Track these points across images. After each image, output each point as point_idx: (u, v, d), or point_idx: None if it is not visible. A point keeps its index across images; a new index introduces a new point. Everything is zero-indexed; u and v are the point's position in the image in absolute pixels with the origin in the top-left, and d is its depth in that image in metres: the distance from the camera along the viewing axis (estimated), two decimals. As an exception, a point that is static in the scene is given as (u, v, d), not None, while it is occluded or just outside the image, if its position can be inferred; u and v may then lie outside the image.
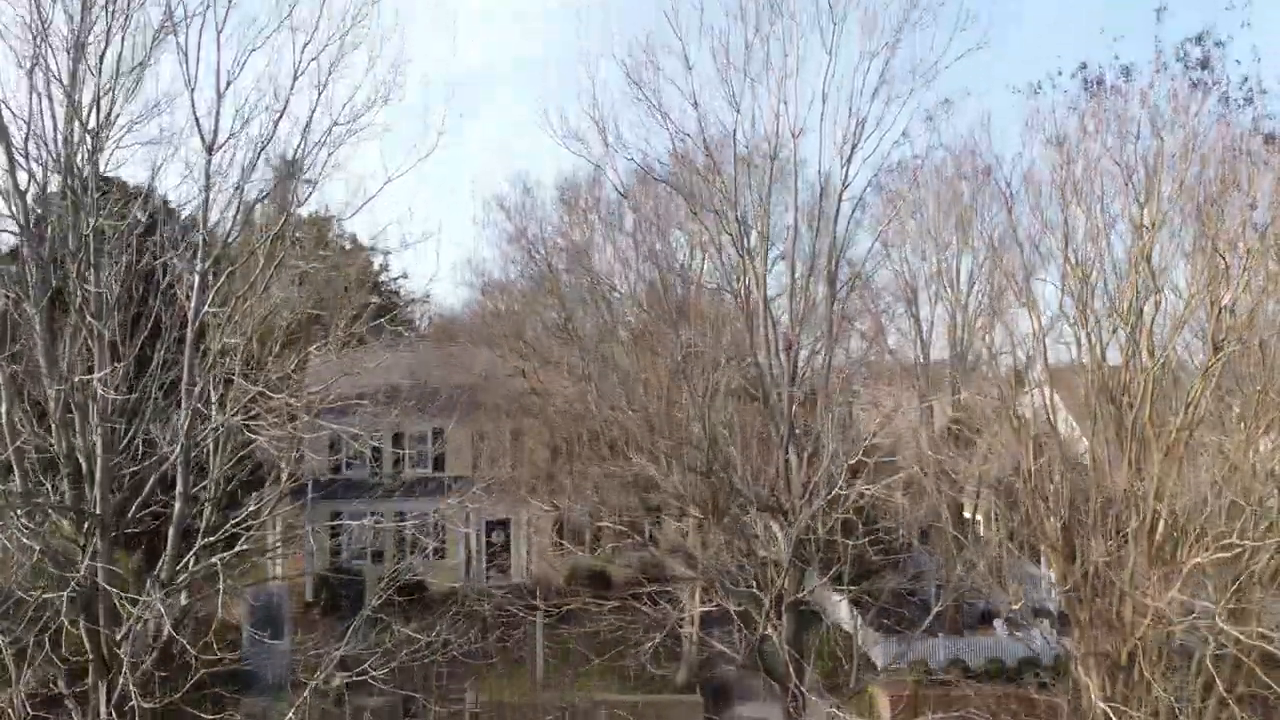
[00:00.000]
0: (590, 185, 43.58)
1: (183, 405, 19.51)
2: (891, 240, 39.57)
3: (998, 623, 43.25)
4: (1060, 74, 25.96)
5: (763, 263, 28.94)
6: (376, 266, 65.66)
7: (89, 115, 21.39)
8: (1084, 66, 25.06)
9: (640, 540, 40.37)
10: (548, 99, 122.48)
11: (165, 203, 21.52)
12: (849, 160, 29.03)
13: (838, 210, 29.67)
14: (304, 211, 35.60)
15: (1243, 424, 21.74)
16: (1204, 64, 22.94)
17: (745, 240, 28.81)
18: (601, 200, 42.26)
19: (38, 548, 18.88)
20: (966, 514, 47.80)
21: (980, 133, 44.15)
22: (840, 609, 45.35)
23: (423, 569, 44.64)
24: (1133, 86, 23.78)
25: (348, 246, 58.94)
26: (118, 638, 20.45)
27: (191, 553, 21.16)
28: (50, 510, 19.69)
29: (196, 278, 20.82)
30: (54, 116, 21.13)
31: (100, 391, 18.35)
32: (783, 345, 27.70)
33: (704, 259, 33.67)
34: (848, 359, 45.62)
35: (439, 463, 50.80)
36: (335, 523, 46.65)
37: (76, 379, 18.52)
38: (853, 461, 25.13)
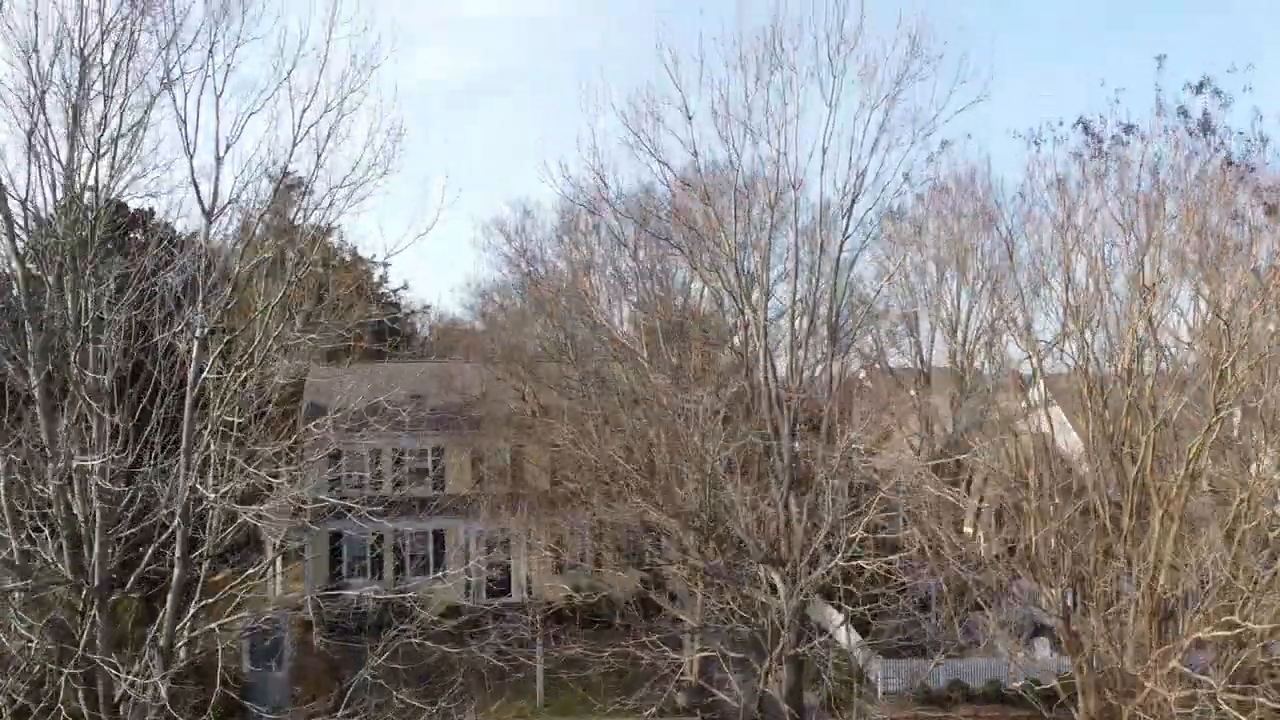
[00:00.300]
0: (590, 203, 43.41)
1: (181, 476, 19.47)
2: (894, 276, 39.62)
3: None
4: (1061, 124, 25.89)
5: (763, 314, 28.85)
6: (376, 278, 65.64)
7: (87, 180, 21.38)
8: (1084, 124, 25.04)
9: (642, 566, 40.54)
10: (547, 129, 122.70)
11: (164, 267, 21.36)
12: (849, 211, 29.01)
13: (838, 260, 29.64)
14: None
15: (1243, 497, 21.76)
16: (1205, 127, 22.85)
17: (745, 292, 28.72)
18: (601, 225, 42.14)
19: (38, 626, 18.89)
20: (967, 528, 47.97)
21: (980, 175, 44.07)
22: (840, 630, 45.43)
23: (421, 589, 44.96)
24: (1132, 148, 23.71)
25: (348, 259, 58.92)
26: (115, 699, 20.54)
27: (189, 615, 21.18)
28: (49, 585, 19.67)
29: (196, 343, 20.81)
30: (53, 184, 21.09)
31: (98, 480, 18.30)
32: (783, 397, 27.62)
33: (702, 298, 33.55)
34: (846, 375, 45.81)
35: (439, 482, 50.79)
36: (335, 545, 46.84)
37: (74, 463, 18.44)
38: (852, 510, 25.15)
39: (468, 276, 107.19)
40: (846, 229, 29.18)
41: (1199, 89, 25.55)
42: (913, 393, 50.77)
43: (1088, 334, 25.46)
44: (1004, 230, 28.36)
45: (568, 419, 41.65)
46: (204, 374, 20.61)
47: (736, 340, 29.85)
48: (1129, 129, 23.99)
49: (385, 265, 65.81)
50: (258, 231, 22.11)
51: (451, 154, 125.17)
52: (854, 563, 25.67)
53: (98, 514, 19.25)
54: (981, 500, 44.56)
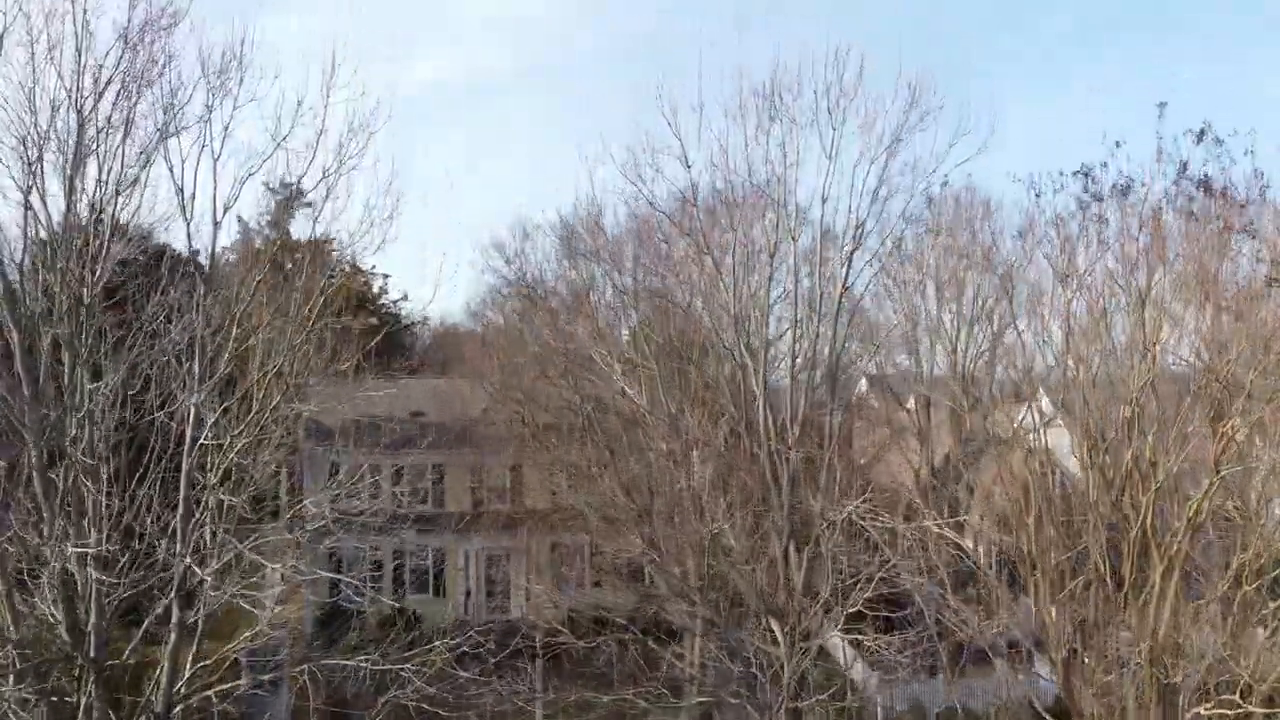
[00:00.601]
0: (590, 230, 43.33)
1: (177, 562, 19.42)
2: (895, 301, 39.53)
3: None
4: (1061, 174, 25.77)
5: (763, 363, 28.69)
6: (376, 289, 65.48)
7: (83, 242, 21.22)
8: (1087, 173, 24.86)
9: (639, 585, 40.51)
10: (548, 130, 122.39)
11: (158, 338, 21.21)
12: (849, 260, 28.91)
13: (837, 310, 29.47)
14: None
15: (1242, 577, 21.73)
16: (1206, 188, 22.70)
17: (744, 341, 28.62)
18: (601, 248, 42.03)
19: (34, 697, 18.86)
20: (967, 543, 47.94)
21: (981, 202, 44.12)
22: (838, 650, 45.42)
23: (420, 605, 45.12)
24: (1134, 194, 23.57)
25: (348, 269, 58.57)
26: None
27: (183, 680, 21.15)
28: (47, 662, 19.63)
29: (192, 409, 20.72)
30: (50, 249, 20.97)
31: (95, 572, 18.27)
32: (780, 452, 27.54)
33: (701, 344, 33.40)
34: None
35: (439, 497, 50.71)
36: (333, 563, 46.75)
37: (70, 550, 18.36)
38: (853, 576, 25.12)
39: (467, 295, 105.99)
40: (846, 278, 29.17)
41: (1200, 137, 25.42)
42: (911, 409, 50.78)
43: (1086, 391, 25.36)
44: (1002, 270, 28.16)
45: (566, 445, 41.69)
46: (200, 442, 20.54)
47: (736, 375, 29.69)
48: (1126, 190, 23.84)
49: (385, 277, 65.71)
50: (256, 295, 21.86)
51: (449, 155, 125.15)
52: (856, 611, 25.58)
53: (94, 591, 19.19)
54: (982, 518, 44.53)
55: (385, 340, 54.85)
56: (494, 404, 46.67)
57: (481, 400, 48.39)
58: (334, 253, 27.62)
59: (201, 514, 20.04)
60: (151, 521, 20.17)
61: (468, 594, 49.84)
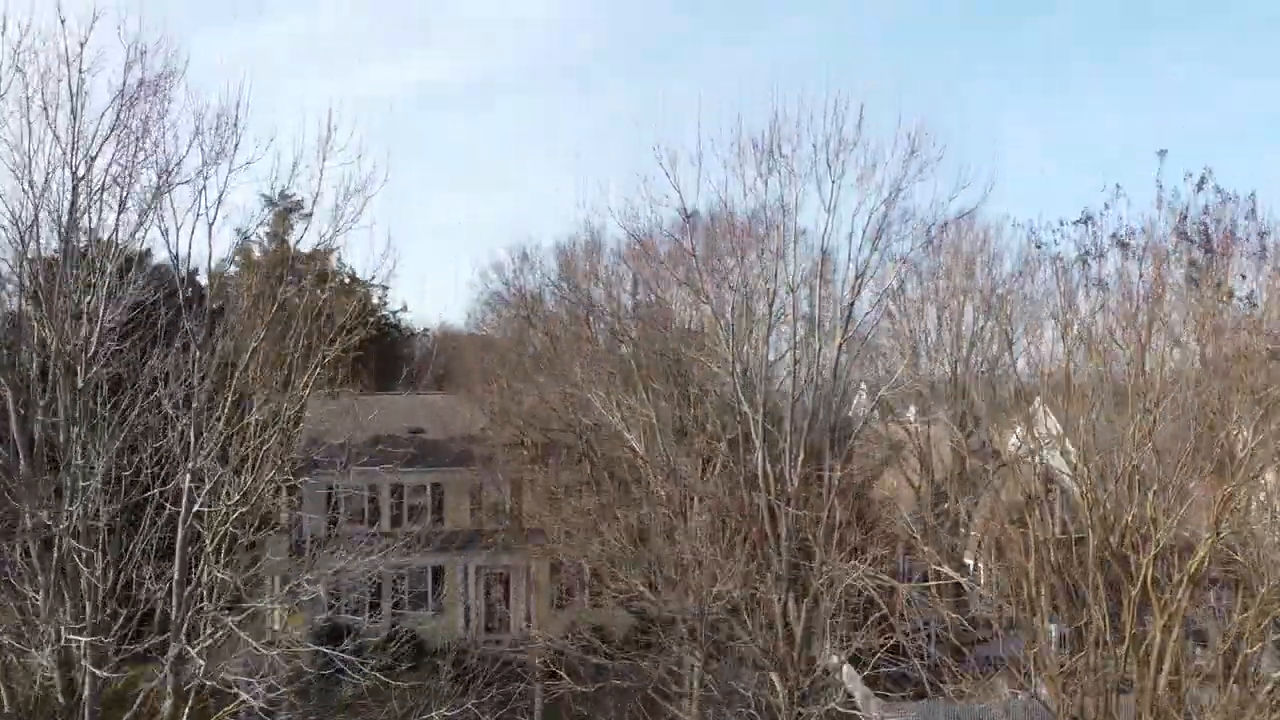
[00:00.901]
0: (589, 252, 43.28)
1: (170, 653, 19.38)
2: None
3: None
4: (1062, 224, 25.57)
5: (761, 413, 28.49)
6: (376, 300, 65.11)
7: (79, 304, 21.11)
8: (1087, 219, 24.69)
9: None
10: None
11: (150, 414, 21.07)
12: (849, 311, 28.77)
13: (837, 362, 29.32)
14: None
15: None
16: (1206, 246, 22.55)
17: (745, 395, 28.47)
18: (600, 270, 41.97)
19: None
20: (967, 560, 47.94)
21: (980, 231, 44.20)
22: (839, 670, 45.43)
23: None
24: (1132, 258, 23.43)
25: (346, 281, 58.28)
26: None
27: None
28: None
29: (188, 477, 20.62)
30: (44, 326, 20.84)
31: (91, 655, 18.20)
32: (778, 508, 27.42)
33: (698, 390, 33.28)
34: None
35: (438, 516, 50.62)
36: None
37: (64, 638, 18.32)
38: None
39: (467, 304, 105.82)
40: (846, 328, 29.00)
41: (1200, 184, 25.25)
42: (912, 426, 50.72)
43: (1087, 451, 25.20)
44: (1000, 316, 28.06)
45: (564, 466, 41.63)
46: (195, 507, 20.46)
47: (734, 426, 29.57)
48: (1125, 244, 23.63)
49: (385, 289, 65.41)
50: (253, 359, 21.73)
51: (452, 155, 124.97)
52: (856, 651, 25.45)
53: (87, 688, 19.16)
54: (980, 542, 44.52)
55: (386, 351, 54.74)
56: (494, 426, 46.54)
57: (481, 419, 48.32)
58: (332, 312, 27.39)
59: (195, 588, 19.95)
60: (147, 588, 20.15)
61: (467, 613, 49.82)
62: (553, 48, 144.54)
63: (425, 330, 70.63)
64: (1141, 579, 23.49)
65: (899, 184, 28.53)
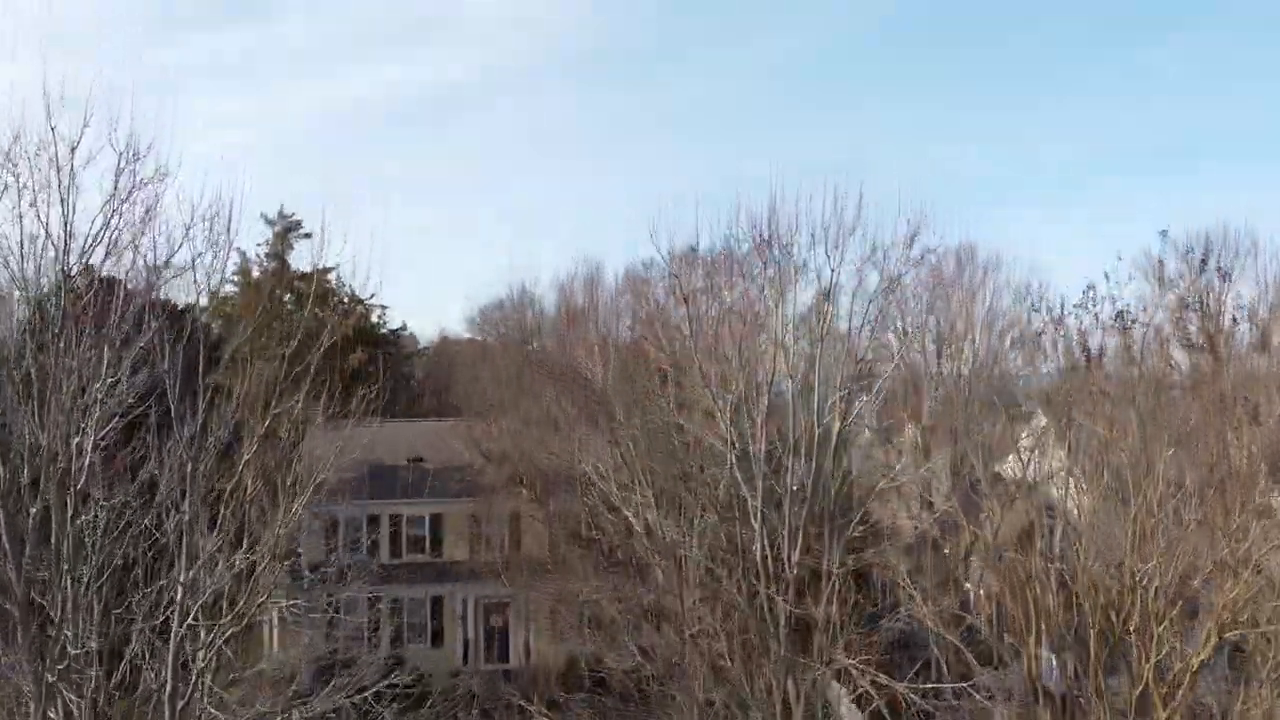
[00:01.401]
0: (587, 286, 43.16)
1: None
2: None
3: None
4: (1063, 303, 25.77)
5: (759, 497, 28.20)
6: (375, 319, 64.88)
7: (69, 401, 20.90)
8: (1091, 288, 24.92)
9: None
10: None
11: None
12: (848, 402, 28.52)
13: (834, 450, 29.02)
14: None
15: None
16: (1211, 346, 22.57)
17: (745, 477, 28.23)
18: (599, 303, 41.80)
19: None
20: (967, 585, 47.91)
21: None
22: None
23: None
24: (1132, 341, 23.47)
25: (346, 300, 58.13)
26: None
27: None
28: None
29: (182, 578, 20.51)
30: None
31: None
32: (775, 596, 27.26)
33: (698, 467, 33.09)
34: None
35: (436, 546, 50.43)
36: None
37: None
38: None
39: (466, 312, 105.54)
40: (846, 418, 28.74)
41: (1203, 264, 25.31)
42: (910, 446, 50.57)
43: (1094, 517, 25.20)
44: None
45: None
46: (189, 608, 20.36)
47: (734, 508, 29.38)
48: (1127, 327, 23.72)
49: (384, 308, 65.18)
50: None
51: (449, 155, 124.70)
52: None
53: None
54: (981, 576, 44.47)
55: (386, 367, 54.51)
56: (493, 466, 46.48)
57: (478, 459, 48.19)
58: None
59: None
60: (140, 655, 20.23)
61: (466, 644, 49.62)
62: (553, 48, 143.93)
63: (425, 348, 70.46)
64: (1138, 675, 23.54)
65: (898, 271, 28.47)
